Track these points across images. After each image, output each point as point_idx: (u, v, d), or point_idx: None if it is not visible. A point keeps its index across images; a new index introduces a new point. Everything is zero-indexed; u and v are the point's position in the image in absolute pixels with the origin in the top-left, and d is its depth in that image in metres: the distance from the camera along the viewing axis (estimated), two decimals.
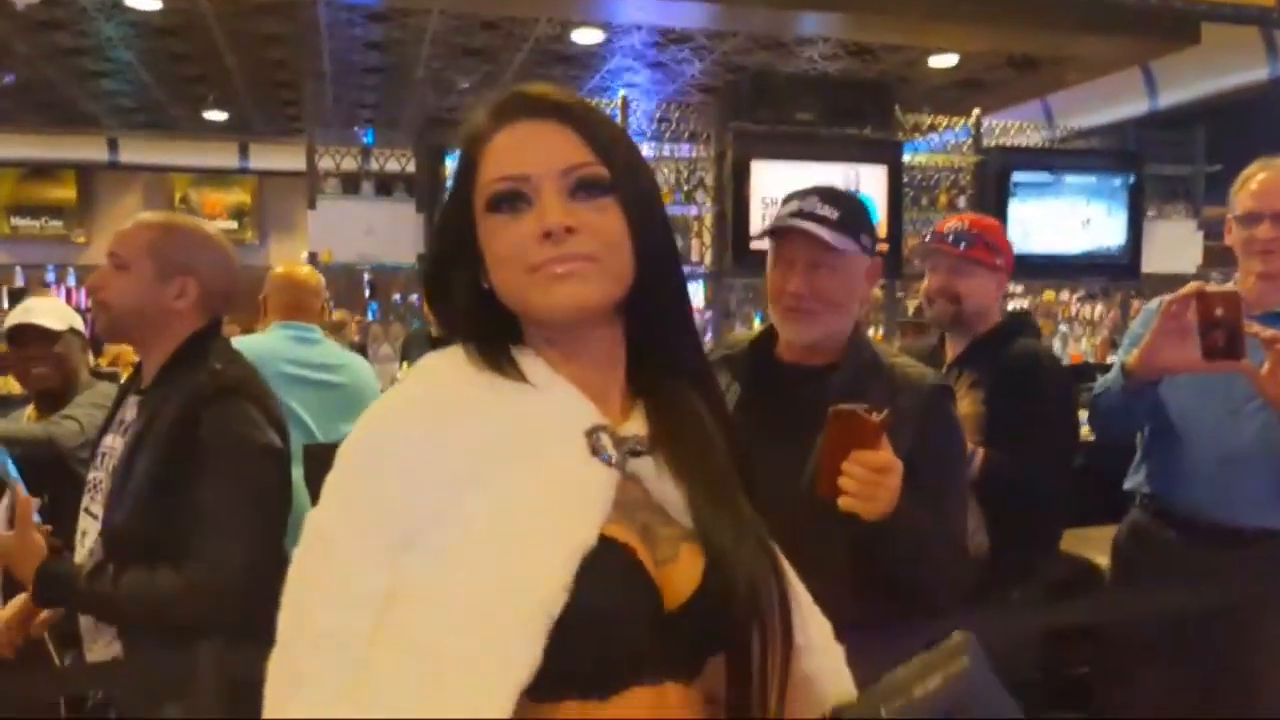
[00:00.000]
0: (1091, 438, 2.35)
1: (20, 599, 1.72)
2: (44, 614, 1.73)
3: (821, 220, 1.56)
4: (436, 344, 0.91)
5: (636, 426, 0.87)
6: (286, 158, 9.40)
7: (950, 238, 2.28)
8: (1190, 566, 2.08)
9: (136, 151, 10.15)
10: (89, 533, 1.68)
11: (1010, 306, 6.07)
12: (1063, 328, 6.10)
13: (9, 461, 1.81)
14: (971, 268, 2.26)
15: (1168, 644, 2.12)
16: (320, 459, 2.37)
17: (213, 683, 1.50)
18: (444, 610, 0.76)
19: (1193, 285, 1.87)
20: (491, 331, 0.87)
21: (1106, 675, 2.32)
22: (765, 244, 1.69)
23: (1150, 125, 6.45)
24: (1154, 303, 2.02)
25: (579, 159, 0.83)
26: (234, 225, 10.61)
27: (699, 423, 0.90)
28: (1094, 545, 2.62)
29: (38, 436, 2.45)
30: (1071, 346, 6.02)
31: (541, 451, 0.81)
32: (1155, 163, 5.99)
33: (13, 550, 1.61)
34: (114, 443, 1.71)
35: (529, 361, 0.86)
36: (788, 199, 1.64)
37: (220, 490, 1.57)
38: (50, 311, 2.68)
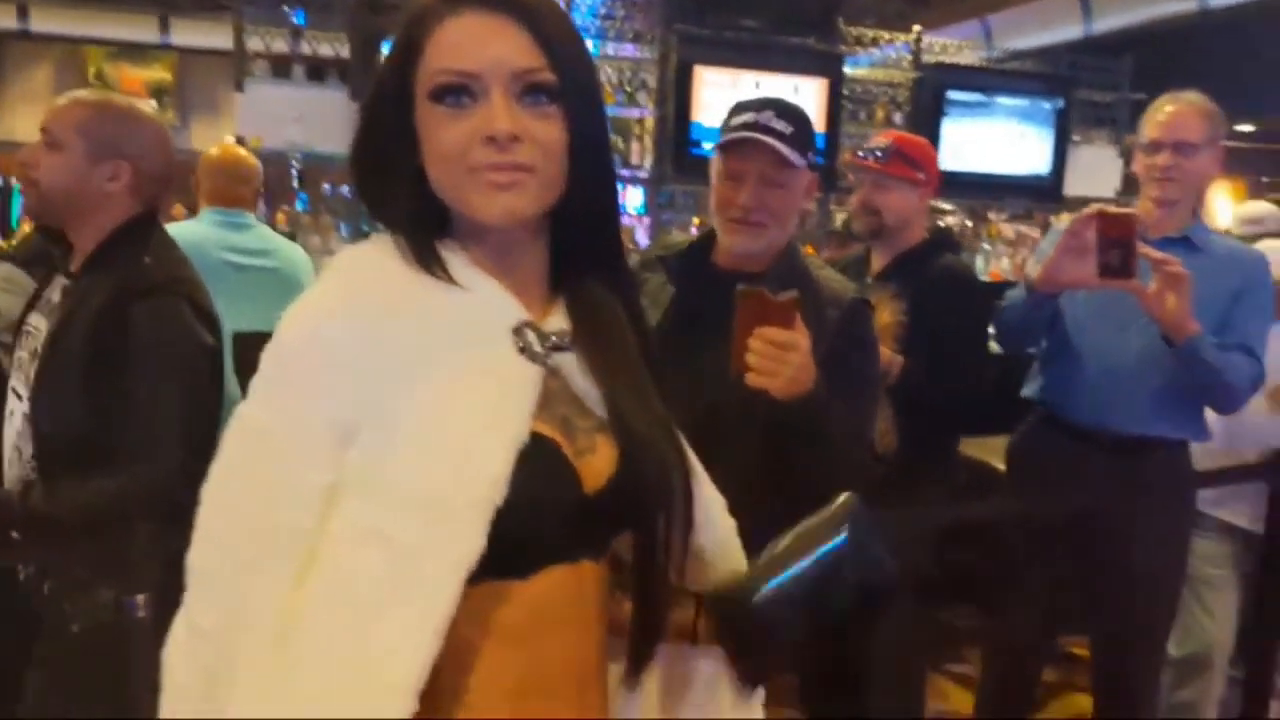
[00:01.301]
0: (996, 349, 2.50)
1: None
2: None
3: (778, 135, 1.60)
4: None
5: (558, 322, 0.90)
6: (211, 34, 8.99)
7: (873, 154, 2.37)
8: (1077, 470, 2.24)
9: (48, 20, 9.60)
10: (15, 412, 1.66)
11: (942, 223, 6.24)
12: (985, 245, 6.27)
13: None
14: (892, 182, 2.36)
15: (1053, 540, 2.29)
16: (251, 346, 2.39)
17: (146, 561, 1.52)
18: (392, 503, 0.78)
19: (1094, 206, 1.99)
20: (422, 223, 0.86)
21: (999, 571, 2.47)
22: (705, 151, 1.74)
23: (1082, 51, 6.55)
24: (1061, 223, 2.14)
25: (530, 62, 0.82)
26: (153, 104, 10.19)
27: (617, 321, 0.93)
28: (995, 451, 2.78)
29: None
30: (993, 264, 6.20)
31: (471, 348, 0.83)
32: (1084, 88, 6.12)
33: None
34: (38, 322, 1.68)
35: (456, 259, 0.86)
36: (738, 109, 1.67)
37: (153, 390, 1.55)
38: None
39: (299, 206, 5.77)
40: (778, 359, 1.38)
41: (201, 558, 0.83)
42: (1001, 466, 2.62)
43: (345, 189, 5.67)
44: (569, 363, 0.89)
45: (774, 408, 1.44)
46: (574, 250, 0.91)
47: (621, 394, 0.89)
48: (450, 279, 0.85)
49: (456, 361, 0.82)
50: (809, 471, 1.56)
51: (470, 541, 0.78)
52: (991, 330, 2.43)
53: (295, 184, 6.36)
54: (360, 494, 0.79)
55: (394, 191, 0.87)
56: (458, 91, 0.82)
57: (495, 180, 0.82)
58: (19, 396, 1.66)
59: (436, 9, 0.84)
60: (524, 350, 0.86)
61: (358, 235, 4.72)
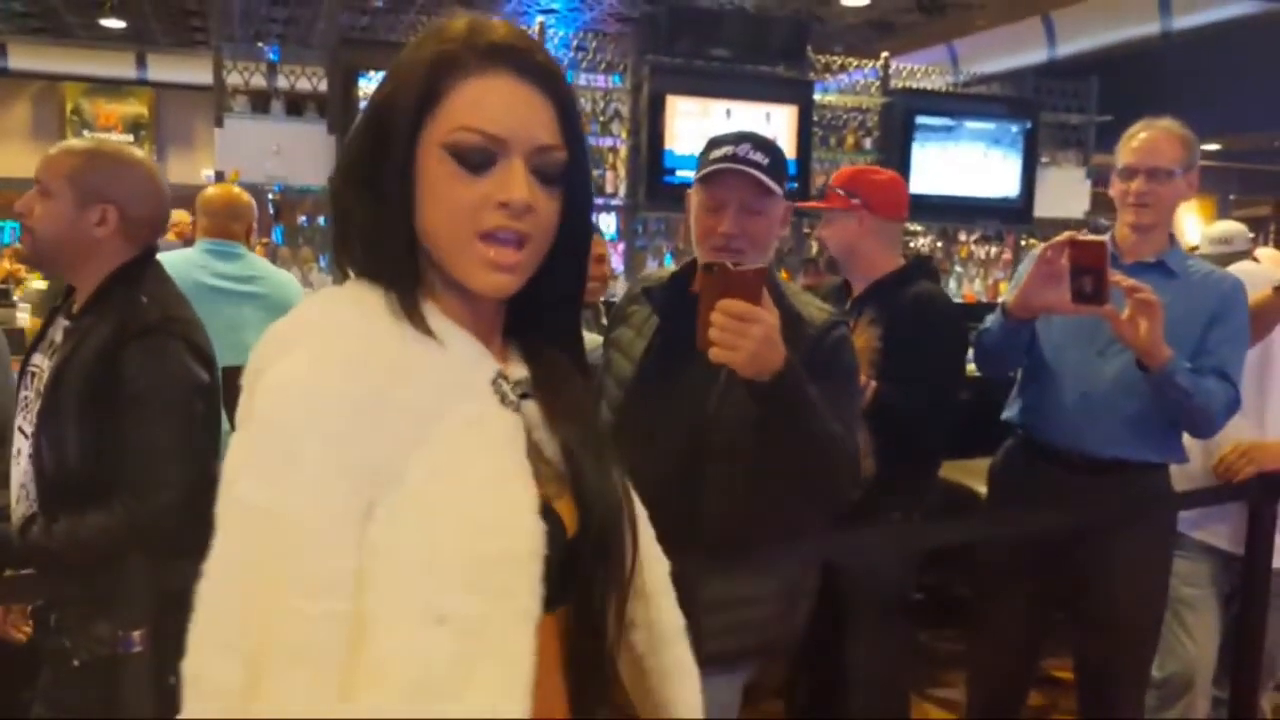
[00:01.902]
0: (977, 373, 2.52)
1: None
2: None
3: (756, 165, 1.65)
4: None
5: (518, 370, 0.90)
6: (187, 70, 9.03)
7: (815, 196, 2.42)
8: (1056, 493, 2.26)
9: (25, 58, 9.61)
10: (21, 451, 1.70)
11: (912, 245, 6.31)
12: (958, 268, 6.35)
13: None
14: (830, 214, 2.42)
15: (1035, 563, 2.31)
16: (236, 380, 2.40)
17: (142, 596, 1.52)
18: (442, 582, 0.75)
19: (1066, 234, 2.03)
20: (408, 273, 0.84)
21: (981, 594, 2.49)
22: (678, 179, 1.77)
23: (1047, 75, 6.67)
24: (1038, 248, 2.18)
25: (551, 140, 0.83)
26: (130, 139, 10.17)
27: (569, 369, 0.94)
28: (975, 475, 2.81)
29: None
30: (966, 286, 6.27)
31: (460, 403, 0.82)
32: (1050, 111, 6.23)
33: None
34: (41, 362, 1.72)
35: (431, 310, 0.85)
36: (715, 144, 1.71)
37: (148, 428, 1.60)
38: None
39: (276, 239, 5.77)
40: (739, 331, 1.37)
41: (212, 666, 0.73)
42: (982, 489, 2.66)
43: (322, 220, 5.67)
44: (531, 411, 0.89)
45: (754, 393, 1.44)
46: (534, 310, 0.92)
47: (578, 443, 0.90)
48: (430, 332, 0.83)
49: (451, 418, 0.80)
50: (800, 481, 1.58)
51: (531, 598, 0.78)
52: (970, 354, 2.46)
53: (272, 216, 6.35)
54: (399, 575, 0.75)
55: (378, 236, 0.84)
56: (478, 152, 0.81)
57: (498, 260, 0.82)
58: (25, 435, 1.69)
59: (467, 60, 0.82)
60: (504, 401, 0.86)
61: (335, 268, 4.72)
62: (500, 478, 0.81)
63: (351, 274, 0.87)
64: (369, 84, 4.34)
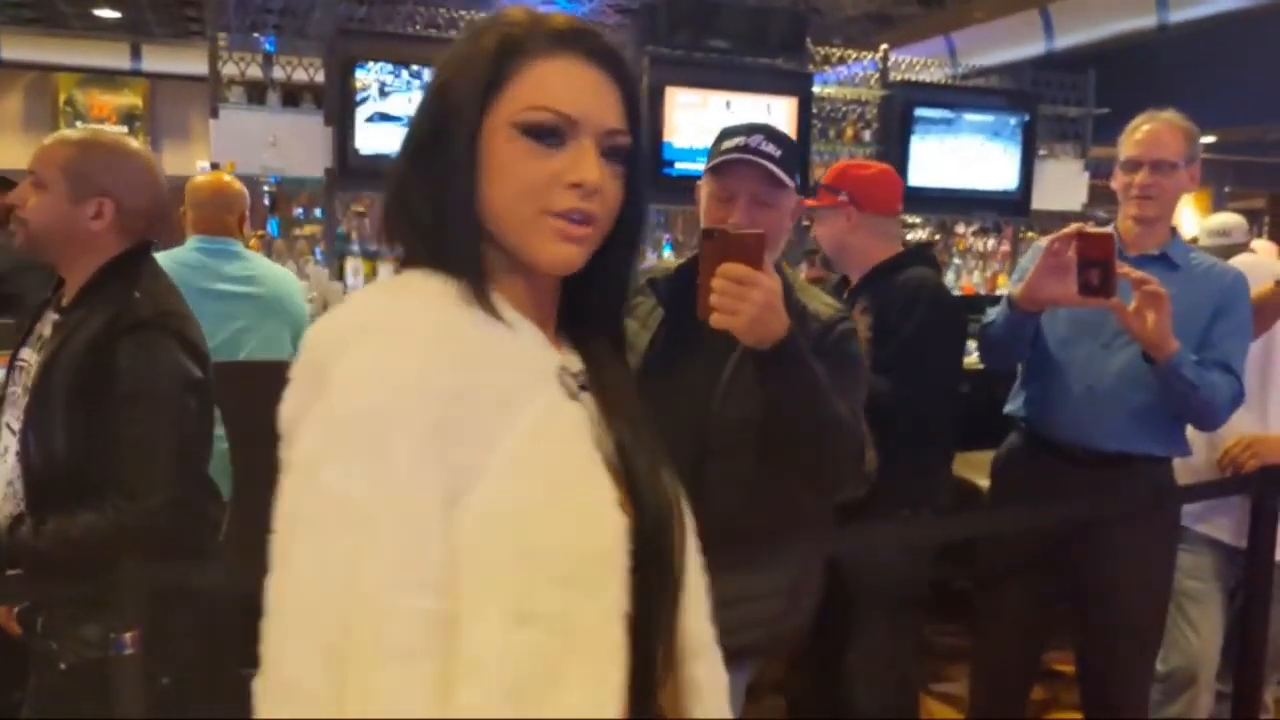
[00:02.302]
0: (980, 366, 2.51)
1: None
2: None
3: (768, 157, 1.63)
4: None
5: (574, 361, 0.90)
6: (182, 60, 8.96)
7: (813, 188, 2.42)
8: (1059, 487, 2.25)
9: (19, 48, 9.54)
10: (9, 448, 1.67)
11: (910, 236, 6.30)
12: (956, 260, 6.33)
13: None
14: (819, 213, 2.41)
15: (1037, 557, 2.30)
16: (237, 376, 2.37)
17: (134, 596, 1.52)
18: (528, 570, 0.74)
19: (1073, 226, 2.02)
20: (478, 260, 0.83)
21: (983, 589, 2.48)
22: (677, 171, 1.75)
23: (1045, 67, 6.66)
24: (1042, 241, 2.17)
25: (618, 123, 0.84)
26: (124, 130, 10.11)
27: (619, 365, 0.94)
28: (977, 468, 2.80)
29: None
30: (964, 278, 6.26)
31: (536, 393, 0.81)
32: (1048, 104, 6.21)
33: None
34: (30, 357, 1.69)
35: (499, 299, 0.84)
36: (727, 134, 1.69)
37: (140, 425, 1.56)
38: None
39: (272, 232, 5.74)
40: (739, 295, 1.35)
41: (299, 667, 0.69)
42: (984, 483, 2.64)
43: (319, 212, 5.63)
44: (588, 403, 0.88)
45: (756, 364, 1.43)
46: (585, 296, 0.92)
47: (631, 436, 0.89)
48: (505, 321, 0.82)
49: (529, 409, 0.79)
50: (806, 465, 1.57)
51: (620, 593, 0.77)
52: (973, 345, 2.43)
53: (267, 208, 6.32)
54: (487, 571, 0.73)
55: (443, 220, 0.83)
56: (551, 131, 0.81)
57: (568, 231, 0.82)
58: (12, 432, 1.66)
59: (536, 41, 0.83)
60: (571, 395, 0.85)
61: (332, 260, 4.70)
62: (582, 470, 0.81)
63: (405, 263, 0.85)
64: (366, 75, 4.29)
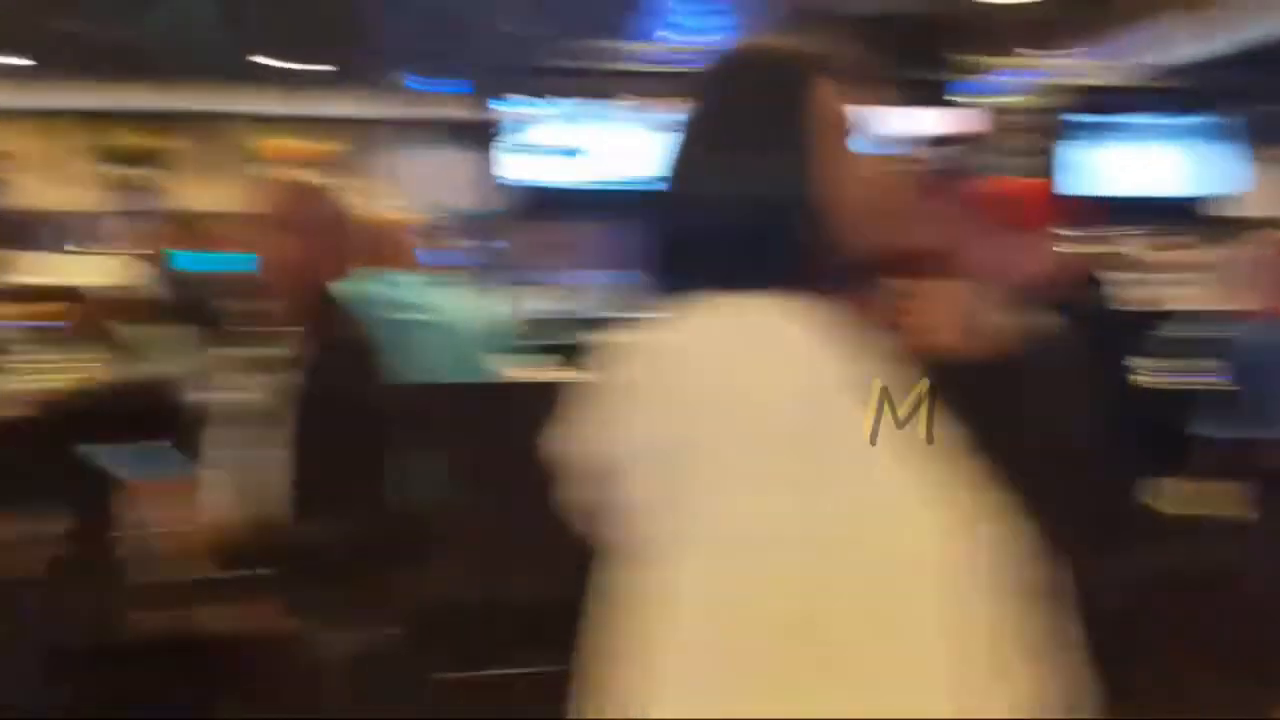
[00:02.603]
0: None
1: None
2: None
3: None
4: None
5: None
6: (370, 105, 9.41)
7: None
8: None
9: (223, 100, 10.25)
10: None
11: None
12: (1140, 273, 5.96)
13: None
14: None
15: None
16: (418, 398, 2.45)
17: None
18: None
19: None
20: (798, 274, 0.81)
21: None
22: None
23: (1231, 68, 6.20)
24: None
25: None
26: (313, 174, 10.57)
27: None
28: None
29: None
30: (1147, 291, 5.88)
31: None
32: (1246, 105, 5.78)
33: None
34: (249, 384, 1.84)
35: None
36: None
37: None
38: None
39: (436, 263, 5.94)
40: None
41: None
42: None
43: (483, 245, 5.80)
44: None
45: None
46: None
47: None
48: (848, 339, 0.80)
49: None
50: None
51: None
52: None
53: (431, 241, 6.55)
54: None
55: (814, 251, 0.82)
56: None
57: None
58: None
59: (820, 59, 0.88)
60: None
61: (487, 290, 4.85)
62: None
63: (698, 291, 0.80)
64: (513, 109, 4.40)
